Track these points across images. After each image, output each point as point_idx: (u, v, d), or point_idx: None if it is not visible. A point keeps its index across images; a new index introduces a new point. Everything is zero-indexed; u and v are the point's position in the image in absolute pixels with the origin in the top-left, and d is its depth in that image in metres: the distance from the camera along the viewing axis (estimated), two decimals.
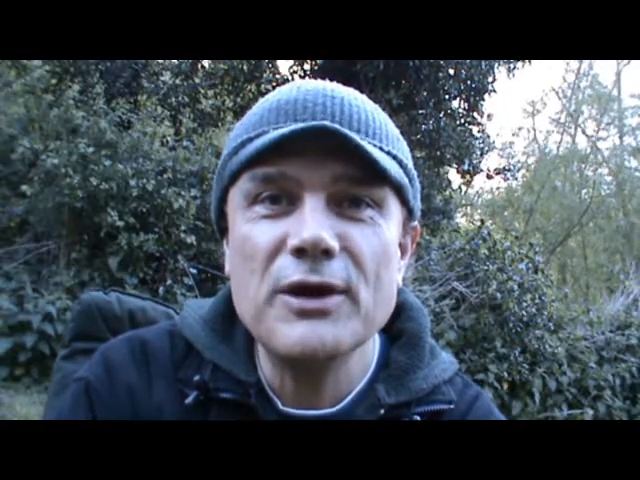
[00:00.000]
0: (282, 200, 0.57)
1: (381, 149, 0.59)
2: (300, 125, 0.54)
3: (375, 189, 0.57)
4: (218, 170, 0.64)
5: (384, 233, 0.58)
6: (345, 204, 0.57)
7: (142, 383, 0.65)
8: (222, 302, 0.68)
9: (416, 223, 0.67)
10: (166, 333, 0.69)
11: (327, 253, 0.54)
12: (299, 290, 0.55)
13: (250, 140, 0.59)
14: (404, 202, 0.62)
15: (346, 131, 0.54)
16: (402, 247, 0.65)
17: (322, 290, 0.55)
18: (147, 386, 0.65)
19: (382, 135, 0.60)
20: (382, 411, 0.61)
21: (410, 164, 0.63)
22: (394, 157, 0.60)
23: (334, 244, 0.54)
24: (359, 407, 0.63)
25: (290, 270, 0.55)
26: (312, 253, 0.54)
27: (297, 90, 0.60)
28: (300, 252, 0.54)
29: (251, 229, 0.58)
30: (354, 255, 0.56)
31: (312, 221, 0.54)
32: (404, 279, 0.66)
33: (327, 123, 0.54)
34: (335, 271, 0.55)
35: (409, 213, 0.64)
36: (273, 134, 0.55)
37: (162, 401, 0.65)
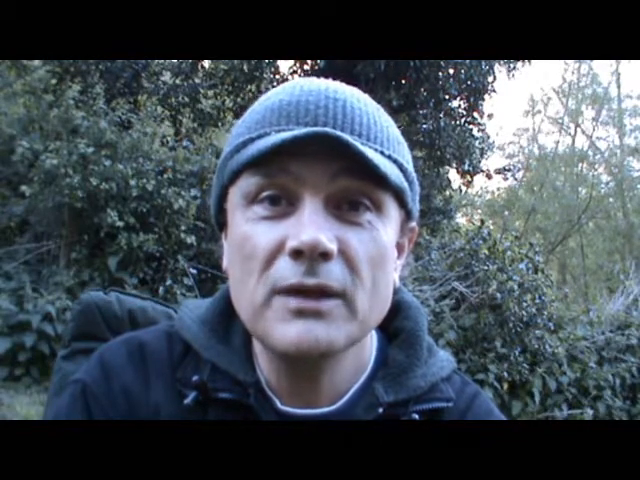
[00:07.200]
0: (281, 201, 0.57)
1: (382, 153, 0.59)
2: (303, 131, 0.54)
3: (375, 193, 0.58)
4: (219, 167, 0.64)
5: (381, 237, 0.58)
6: (344, 207, 0.57)
7: (139, 385, 0.65)
8: (220, 302, 0.68)
9: (414, 224, 0.67)
10: (164, 334, 0.69)
11: (325, 256, 0.54)
12: (297, 292, 0.55)
13: (252, 140, 0.59)
14: (403, 205, 0.62)
15: (347, 137, 0.54)
16: (399, 247, 0.65)
17: (319, 292, 0.55)
18: (145, 387, 0.65)
19: (383, 138, 0.60)
20: (380, 410, 0.61)
21: (410, 167, 0.63)
22: (394, 161, 0.60)
23: (332, 247, 0.54)
24: (357, 406, 0.63)
25: (288, 272, 0.55)
26: (310, 256, 0.54)
27: (300, 90, 0.60)
28: (298, 254, 0.54)
29: (251, 229, 0.58)
30: (351, 260, 0.56)
31: (311, 224, 0.54)
32: (403, 279, 0.66)
33: (329, 130, 0.54)
34: (332, 274, 0.55)
35: (407, 215, 0.64)
36: (275, 138, 0.55)
37: (160, 402, 0.64)
